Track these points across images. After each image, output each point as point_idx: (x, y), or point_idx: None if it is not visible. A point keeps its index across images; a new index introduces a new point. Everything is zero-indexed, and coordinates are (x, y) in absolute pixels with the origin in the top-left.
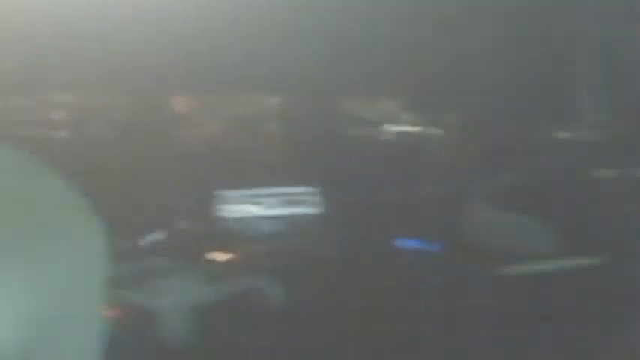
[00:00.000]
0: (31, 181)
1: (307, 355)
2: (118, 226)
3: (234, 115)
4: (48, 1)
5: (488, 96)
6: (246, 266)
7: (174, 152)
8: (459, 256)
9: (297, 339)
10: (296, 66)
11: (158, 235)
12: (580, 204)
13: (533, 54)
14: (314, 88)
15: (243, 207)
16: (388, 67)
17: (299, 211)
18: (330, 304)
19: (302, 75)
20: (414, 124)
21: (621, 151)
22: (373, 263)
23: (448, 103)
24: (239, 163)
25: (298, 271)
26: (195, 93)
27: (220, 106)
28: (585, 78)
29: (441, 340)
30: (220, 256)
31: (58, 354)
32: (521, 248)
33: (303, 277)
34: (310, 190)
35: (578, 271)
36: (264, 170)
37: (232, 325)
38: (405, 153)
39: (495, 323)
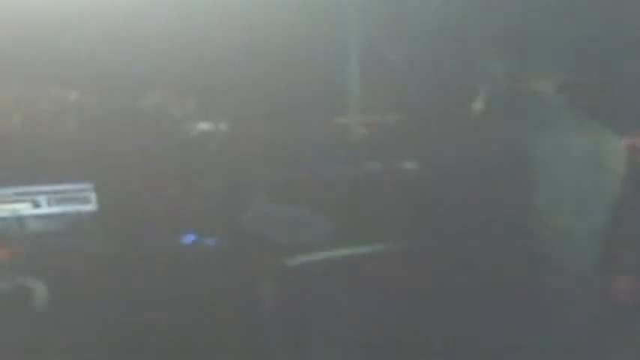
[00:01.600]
0: None
1: (72, 355)
2: None
3: (17, 109)
4: None
5: (276, 93)
6: (14, 265)
7: None
8: (241, 250)
9: (66, 339)
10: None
11: None
12: (360, 197)
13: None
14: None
15: (13, 205)
16: (187, 65)
17: (75, 208)
18: (103, 303)
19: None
20: (204, 120)
21: (391, 147)
22: (152, 259)
23: (231, 99)
24: (11, 158)
25: (71, 270)
26: None
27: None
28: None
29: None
30: None
31: None
32: (301, 239)
33: (76, 276)
34: (87, 186)
35: (358, 260)
36: (38, 166)
37: None
38: (191, 148)
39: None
